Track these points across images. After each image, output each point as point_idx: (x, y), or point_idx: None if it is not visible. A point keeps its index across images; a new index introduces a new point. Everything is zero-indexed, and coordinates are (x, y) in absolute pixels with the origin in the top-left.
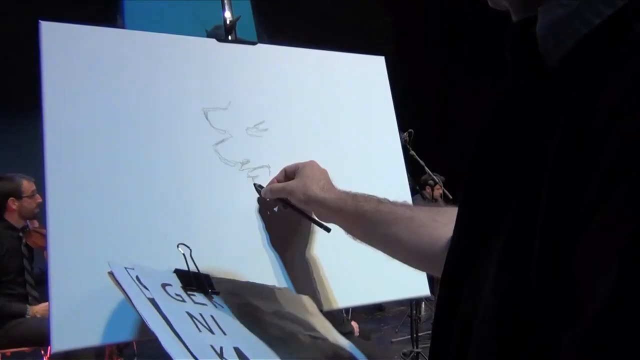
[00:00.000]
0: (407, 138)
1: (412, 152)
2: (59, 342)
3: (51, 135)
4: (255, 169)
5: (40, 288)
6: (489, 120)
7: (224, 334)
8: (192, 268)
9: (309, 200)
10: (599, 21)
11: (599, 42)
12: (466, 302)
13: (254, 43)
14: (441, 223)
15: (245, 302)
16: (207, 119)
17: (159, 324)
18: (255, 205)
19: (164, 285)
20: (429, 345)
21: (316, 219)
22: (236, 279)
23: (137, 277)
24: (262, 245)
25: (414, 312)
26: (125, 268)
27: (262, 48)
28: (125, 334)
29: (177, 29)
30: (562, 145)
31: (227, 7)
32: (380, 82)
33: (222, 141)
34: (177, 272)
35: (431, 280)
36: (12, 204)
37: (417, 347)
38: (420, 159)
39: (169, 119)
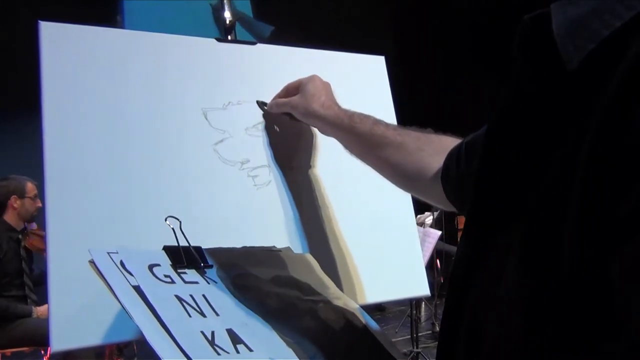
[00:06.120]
0: None
1: None
2: (59, 342)
3: (51, 135)
4: (255, 168)
5: (38, 290)
6: (499, 123)
7: (217, 314)
8: (183, 242)
9: (309, 116)
10: (619, 24)
11: (622, 45)
12: (476, 300)
13: (253, 43)
14: (427, 153)
15: (241, 272)
16: (206, 118)
17: (143, 316)
18: (255, 205)
19: (151, 267)
20: (429, 345)
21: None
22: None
23: (121, 262)
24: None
25: (414, 312)
26: (108, 253)
27: (262, 48)
28: (125, 334)
29: (177, 28)
30: (598, 145)
31: (227, 7)
32: (380, 82)
33: (221, 141)
34: (166, 248)
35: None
36: (15, 202)
37: (417, 347)
38: None
39: (169, 119)
